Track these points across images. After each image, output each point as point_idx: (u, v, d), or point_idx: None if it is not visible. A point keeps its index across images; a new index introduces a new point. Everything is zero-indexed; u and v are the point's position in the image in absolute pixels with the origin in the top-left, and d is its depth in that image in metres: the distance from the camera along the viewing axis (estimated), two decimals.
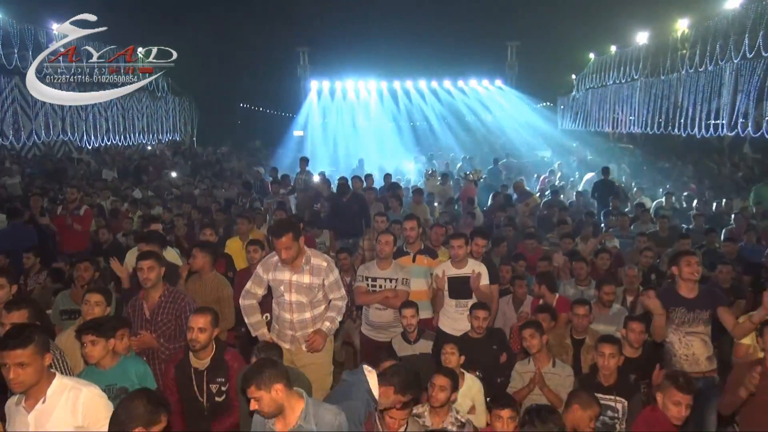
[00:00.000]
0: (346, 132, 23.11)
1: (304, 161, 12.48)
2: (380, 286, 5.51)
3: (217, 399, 3.97)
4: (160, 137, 23.18)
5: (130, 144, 21.50)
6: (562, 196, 12.85)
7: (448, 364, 4.53)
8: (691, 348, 4.62)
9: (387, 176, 12.92)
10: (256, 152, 24.26)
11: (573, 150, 24.34)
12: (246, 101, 30.52)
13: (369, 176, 12.25)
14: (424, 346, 5.22)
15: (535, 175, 16.75)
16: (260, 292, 4.66)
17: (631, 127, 25.23)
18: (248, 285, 4.70)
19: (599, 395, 4.24)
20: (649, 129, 23.75)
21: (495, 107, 24.33)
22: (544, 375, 4.60)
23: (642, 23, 23.96)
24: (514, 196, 12.09)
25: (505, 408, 3.79)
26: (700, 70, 20.80)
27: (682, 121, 21.32)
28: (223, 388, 3.96)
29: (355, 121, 23.53)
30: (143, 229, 8.79)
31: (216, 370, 3.95)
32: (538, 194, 13.44)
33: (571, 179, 16.54)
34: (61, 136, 18.33)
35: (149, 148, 21.70)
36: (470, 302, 5.42)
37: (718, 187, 13.44)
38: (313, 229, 8.87)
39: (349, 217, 8.78)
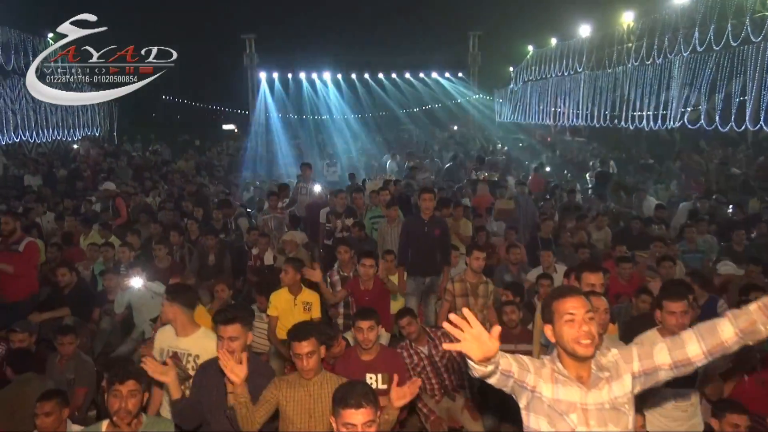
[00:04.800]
0: (305, 127, 21.00)
1: (308, 168, 9.81)
2: None
3: None
4: (82, 133, 19.95)
5: (44, 141, 18.29)
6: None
7: None
8: None
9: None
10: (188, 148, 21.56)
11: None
12: (170, 93, 27.40)
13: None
14: None
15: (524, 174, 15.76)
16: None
17: (575, 119, 25.17)
18: None
19: None
20: (594, 122, 23.77)
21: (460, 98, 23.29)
22: None
23: (584, 16, 23.91)
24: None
25: None
26: (647, 63, 20.91)
27: (630, 114, 21.52)
28: None
29: (320, 114, 21.47)
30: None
31: None
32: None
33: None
34: None
35: (75, 146, 18.45)
36: (692, 393, 3.87)
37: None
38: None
39: (428, 247, 6.30)
